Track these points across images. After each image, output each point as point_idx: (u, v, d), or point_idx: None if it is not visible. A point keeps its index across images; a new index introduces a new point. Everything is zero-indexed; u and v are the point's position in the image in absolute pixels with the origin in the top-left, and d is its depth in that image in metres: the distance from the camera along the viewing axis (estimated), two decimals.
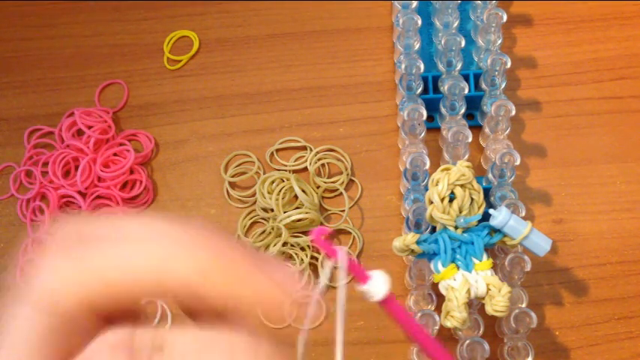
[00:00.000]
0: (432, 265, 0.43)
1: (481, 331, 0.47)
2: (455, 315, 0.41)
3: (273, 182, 0.54)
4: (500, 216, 0.42)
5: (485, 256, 0.42)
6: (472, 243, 0.42)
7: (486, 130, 0.52)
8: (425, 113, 0.49)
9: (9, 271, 0.54)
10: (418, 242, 0.42)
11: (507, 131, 0.51)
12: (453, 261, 0.42)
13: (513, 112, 0.49)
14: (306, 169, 0.56)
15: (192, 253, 0.19)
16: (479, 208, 0.43)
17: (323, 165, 0.56)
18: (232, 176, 0.56)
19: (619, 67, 0.59)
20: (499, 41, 0.53)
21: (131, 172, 0.56)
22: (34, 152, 0.57)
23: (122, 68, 0.60)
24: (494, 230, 0.43)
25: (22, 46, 0.62)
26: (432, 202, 0.43)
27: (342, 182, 0.55)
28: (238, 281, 0.19)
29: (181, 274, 0.19)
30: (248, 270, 0.20)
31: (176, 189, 0.56)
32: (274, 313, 0.20)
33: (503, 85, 0.52)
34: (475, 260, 0.42)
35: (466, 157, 0.49)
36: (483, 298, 0.42)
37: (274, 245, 0.52)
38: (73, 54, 0.61)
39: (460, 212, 0.43)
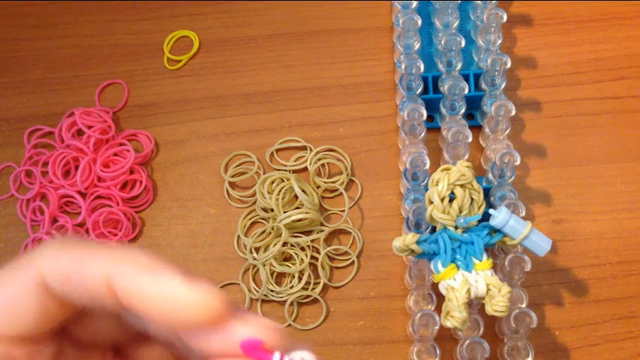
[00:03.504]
0: (432, 265, 0.43)
1: (481, 331, 0.47)
2: (455, 315, 0.41)
3: (273, 182, 0.54)
4: (500, 216, 0.42)
5: (485, 256, 0.42)
6: (472, 243, 0.42)
7: (486, 130, 0.52)
8: (425, 113, 0.49)
9: None
10: (418, 242, 0.42)
11: (507, 131, 0.51)
12: (453, 261, 0.42)
13: (513, 112, 0.49)
14: (306, 169, 0.56)
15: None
16: (479, 208, 0.43)
17: (323, 165, 0.56)
18: (232, 176, 0.56)
19: (619, 67, 0.59)
20: (499, 41, 0.53)
21: (131, 172, 0.56)
22: (34, 152, 0.57)
23: (122, 68, 0.60)
24: (494, 230, 0.43)
25: (22, 46, 0.62)
26: (432, 202, 0.43)
27: (342, 182, 0.55)
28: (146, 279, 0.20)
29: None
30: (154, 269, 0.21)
31: (176, 189, 0.56)
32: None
33: (503, 85, 0.52)
34: (475, 260, 0.42)
35: (466, 157, 0.49)
36: (483, 298, 0.42)
37: (274, 245, 0.52)
38: (73, 54, 0.61)
39: (460, 212, 0.43)
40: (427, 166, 0.48)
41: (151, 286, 0.20)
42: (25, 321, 0.21)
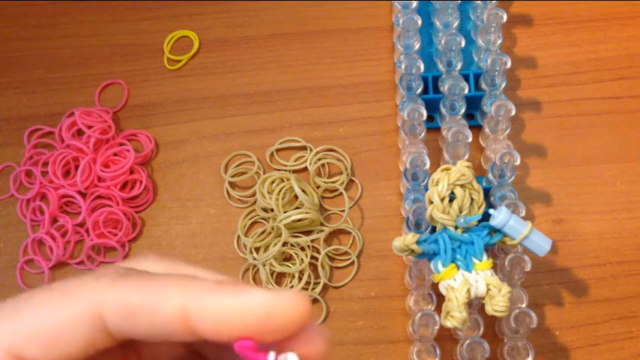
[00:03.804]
0: (432, 265, 0.43)
1: (481, 331, 0.47)
2: (455, 315, 0.41)
3: (273, 182, 0.54)
4: (500, 216, 0.42)
5: (485, 256, 0.42)
6: (472, 243, 0.42)
7: (486, 130, 0.52)
8: (425, 113, 0.49)
9: (9, 271, 0.54)
10: (418, 242, 0.42)
11: (507, 131, 0.51)
12: (453, 261, 0.42)
13: (513, 112, 0.49)
14: (306, 169, 0.56)
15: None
16: (479, 208, 0.43)
17: (323, 165, 0.56)
18: (232, 176, 0.56)
19: (619, 67, 0.59)
20: (499, 41, 0.53)
21: (131, 172, 0.56)
22: (34, 152, 0.57)
23: (122, 68, 0.60)
24: (494, 230, 0.43)
25: (22, 46, 0.62)
26: (432, 202, 0.43)
27: (342, 182, 0.55)
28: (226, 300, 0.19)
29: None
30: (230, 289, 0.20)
31: (176, 189, 0.56)
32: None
33: (503, 85, 0.52)
34: (475, 260, 0.42)
35: (466, 157, 0.49)
36: (483, 298, 0.42)
37: (274, 245, 0.52)
38: (73, 54, 0.61)
39: (460, 212, 0.43)
40: (427, 166, 0.48)
41: (236, 303, 0.19)
42: (65, 351, 0.20)
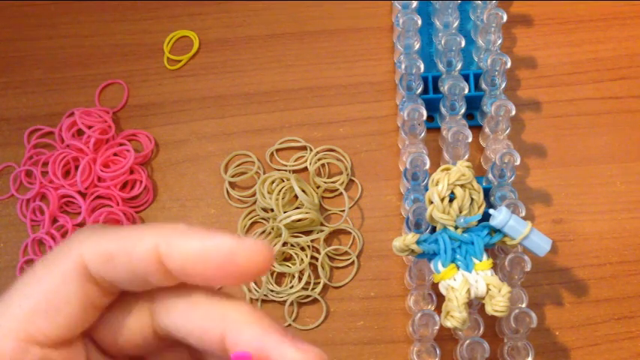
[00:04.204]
0: (432, 265, 0.43)
1: (481, 331, 0.47)
2: (455, 315, 0.41)
3: (273, 182, 0.54)
4: (500, 216, 0.42)
5: (485, 256, 0.42)
6: (472, 243, 0.42)
7: (486, 130, 0.52)
8: (425, 113, 0.49)
9: (9, 271, 0.54)
10: (418, 242, 0.42)
11: (507, 131, 0.51)
12: (453, 261, 0.42)
13: (513, 112, 0.49)
14: (306, 169, 0.56)
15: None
16: (479, 208, 0.43)
17: (323, 165, 0.56)
18: (232, 176, 0.56)
19: (619, 67, 0.59)
20: (499, 41, 0.53)
21: (131, 172, 0.56)
22: (34, 152, 0.57)
23: (122, 68, 0.60)
24: (495, 230, 0.43)
25: (22, 46, 0.62)
26: (432, 202, 0.43)
27: (342, 182, 0.55)
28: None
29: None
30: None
31: (176, 189, 0.56)
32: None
33: (503, 85, 0.52)
34: (475, 260, 0.42)
35: (466, 157, 0.49)
36: (483, 298, 0.42)
37: (274, 245, 0.52)
38: (73, 54, 0.61)
39: (460, 212, 0.43)
40: (427, 166, 0.48)
41: (202, 244, 0.20)
42: (66, 312, 0.21)
